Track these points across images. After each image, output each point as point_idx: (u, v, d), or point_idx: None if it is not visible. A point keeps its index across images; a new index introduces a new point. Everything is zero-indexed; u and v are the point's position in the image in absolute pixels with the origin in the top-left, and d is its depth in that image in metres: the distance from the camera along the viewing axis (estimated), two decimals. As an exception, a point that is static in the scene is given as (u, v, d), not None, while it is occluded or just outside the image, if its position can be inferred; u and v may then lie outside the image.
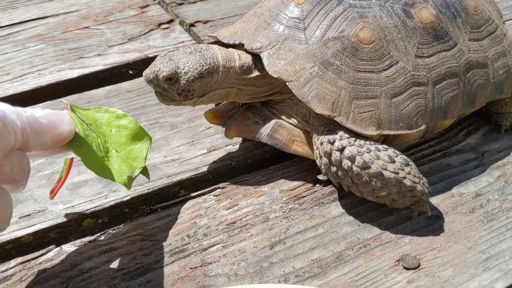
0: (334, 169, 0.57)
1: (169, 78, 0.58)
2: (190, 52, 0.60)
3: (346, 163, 0.56)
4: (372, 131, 0.58)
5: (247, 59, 0.63)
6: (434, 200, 0.63)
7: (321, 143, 0.58)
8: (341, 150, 0.56)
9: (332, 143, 0.57)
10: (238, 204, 0.63)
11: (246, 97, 0.65)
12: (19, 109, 0.46)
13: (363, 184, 0.56)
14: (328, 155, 0.57)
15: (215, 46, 0.63)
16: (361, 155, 0.55)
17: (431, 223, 0.60)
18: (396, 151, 0.57)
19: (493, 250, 0.57)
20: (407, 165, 0.56)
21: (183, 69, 0.58)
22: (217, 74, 0.60)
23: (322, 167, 0.59)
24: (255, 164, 0.71)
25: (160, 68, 0.58)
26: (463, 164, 0.68)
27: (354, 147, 0.56)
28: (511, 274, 0.54)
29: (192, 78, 0.58)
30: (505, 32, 0.70)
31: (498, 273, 0.54)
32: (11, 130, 0.43)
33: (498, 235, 0.59)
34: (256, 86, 0.64)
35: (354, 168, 0.55)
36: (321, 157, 0.58)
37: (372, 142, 0.57)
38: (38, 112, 0.48)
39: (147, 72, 0.59)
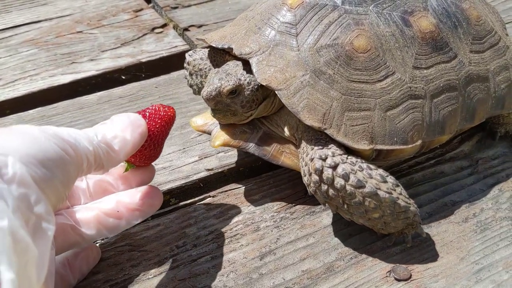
0: (324, 187, 0.53)
1: (233, 91, 0.58)
2: (237, 65, 0.61)
3: (339, 181, 0.52)
4: (364, 145, 0.55)
5: None
6: (426, 209, 0.62)
7: (311, 159, 0.54)
8: (334, 167, 0.53)
9: (324, 160, 0.53)
10: (228, 213, 0.62)
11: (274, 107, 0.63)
12: (90, 133, 0.47)
13: (356, 205, 0.53)
14: (319, 172, 0.53)
15: None
16: (354, 173, 0.52)
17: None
18: (384, 171, 0.54)
19: (486, 260, 0.56)
20: (398, 185, 0.54)
21: (245, 80, 0.58)
22: None
23: (312, 185, 0.54)
24: (247, 171, 0.70)
25: (222, 83, 0.57)
26: (457, 172, 0.68)
27: (347, 164, 0.53)
28: (504, 285, 0.54)
29: (256, 87, 0.59)
30: (508, 44, 0.67)
31: (491, 285, 0.54)
32: (84, 157, 0.44)
33: (491, 245, 0.58)
34: None
35: (348, 187, 0.52)
36: (310, 174, 0.54)
37: (362, 160, 0.54)
38: (109, 132, 0.48)
39: (208, 90, 0.57)
